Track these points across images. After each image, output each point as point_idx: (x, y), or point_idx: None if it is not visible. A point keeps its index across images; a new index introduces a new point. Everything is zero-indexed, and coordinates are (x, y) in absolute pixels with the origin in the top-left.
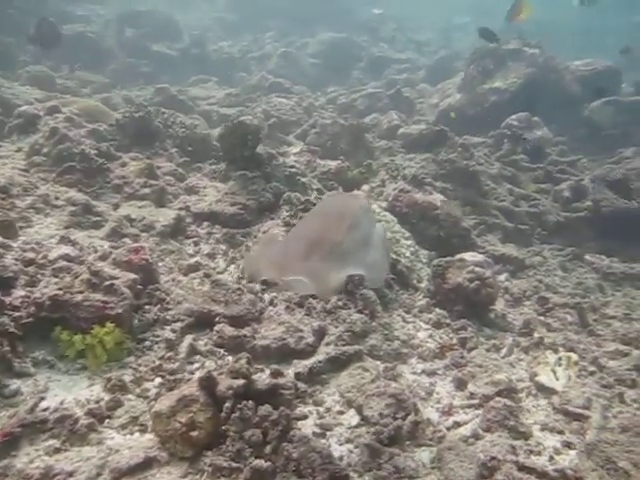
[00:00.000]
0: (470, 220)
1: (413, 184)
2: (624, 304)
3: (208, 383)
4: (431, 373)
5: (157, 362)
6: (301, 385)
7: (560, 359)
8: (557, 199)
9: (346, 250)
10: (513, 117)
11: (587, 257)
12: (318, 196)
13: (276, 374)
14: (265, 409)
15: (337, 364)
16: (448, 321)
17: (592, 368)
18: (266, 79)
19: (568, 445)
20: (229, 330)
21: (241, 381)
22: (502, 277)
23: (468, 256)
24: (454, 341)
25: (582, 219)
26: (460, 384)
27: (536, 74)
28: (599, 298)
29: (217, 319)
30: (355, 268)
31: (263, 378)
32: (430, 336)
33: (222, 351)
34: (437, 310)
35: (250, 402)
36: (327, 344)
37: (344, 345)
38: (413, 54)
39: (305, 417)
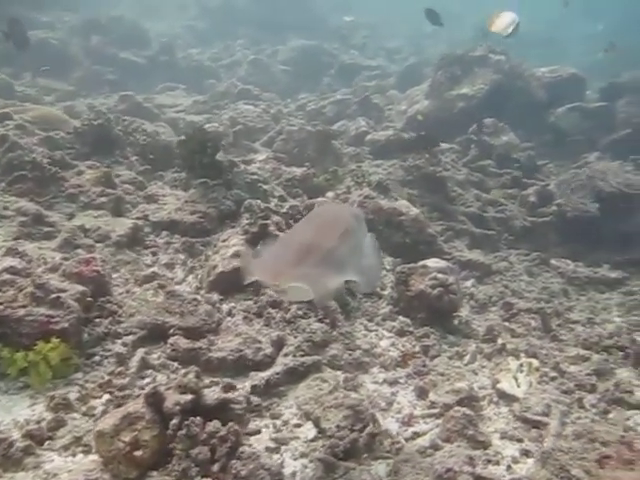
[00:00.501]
0: (437, 226)
1: (378, 190)
2: (588, 308)
3: (154, 399)
4: (393, 382)
5: (106, 378)
6: (255, 399)
7: (522, 365)
8: (523, 204)
9: (339, 256)
10: None
11: (553, 261)
12: (279, 203)
13: (227, 388)
14: (213, 425)
15: (295, 375)
16: (411, 329)
17: (553, 374)
18: (235, 86)
19: (526, 453)
20: (184, 342)
21: (189, 396)
22: (468, 283)
23: (431, 262)
24: (417, 349)
25: (548, 224)
26: (421, 393)
27: (502, 80)
28: (563, 303)
29: (171, 331)
30: (349, 274)
31: (213, 392)
32: (392, 344)
33: (176, 364)
34: (400, 318)
35: (198, 418)
36: (285, 355)
37: (303, 356)
38: (384, 61)
39: (258, 432)
